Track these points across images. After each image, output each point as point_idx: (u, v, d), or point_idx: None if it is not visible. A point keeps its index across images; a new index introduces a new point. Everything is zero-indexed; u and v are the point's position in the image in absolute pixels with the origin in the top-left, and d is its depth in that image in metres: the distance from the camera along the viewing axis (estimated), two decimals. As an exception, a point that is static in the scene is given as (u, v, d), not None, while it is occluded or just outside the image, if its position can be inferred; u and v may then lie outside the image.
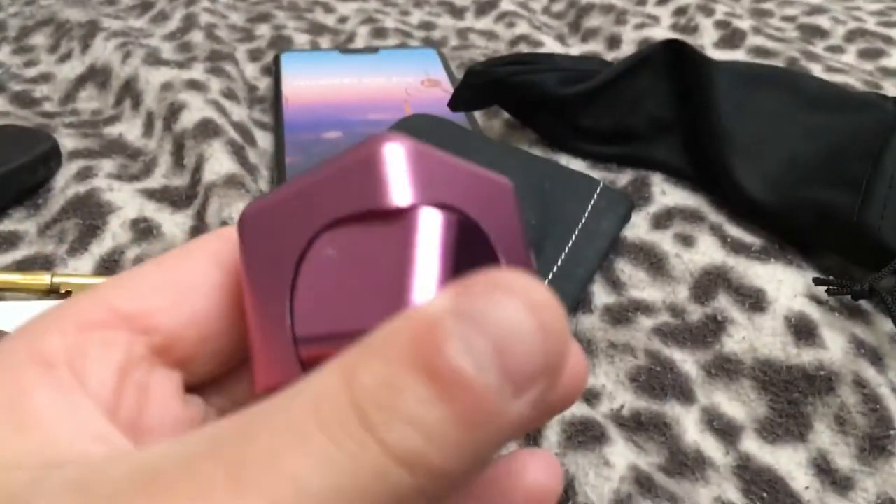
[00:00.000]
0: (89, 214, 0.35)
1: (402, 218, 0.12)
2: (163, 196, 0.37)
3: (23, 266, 0.33)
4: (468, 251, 0.13)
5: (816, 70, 0.48)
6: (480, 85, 0.40)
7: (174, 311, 0.14)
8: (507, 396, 0.10)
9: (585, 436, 0.25)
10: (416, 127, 0.36)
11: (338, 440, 0.09)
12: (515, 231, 0.14)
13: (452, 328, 0.10)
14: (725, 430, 0.27)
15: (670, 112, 0.39)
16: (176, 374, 0.14)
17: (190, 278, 0.14)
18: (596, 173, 0.39)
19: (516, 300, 0.10)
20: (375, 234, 0.12)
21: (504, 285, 0.10)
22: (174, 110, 0.41)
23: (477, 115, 0.44)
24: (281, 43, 0.54)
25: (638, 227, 0.35)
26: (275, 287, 0.13)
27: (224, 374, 0.15)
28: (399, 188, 0.12)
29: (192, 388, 0.15)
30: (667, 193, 0.37)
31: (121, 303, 0.13)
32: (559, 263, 0.31)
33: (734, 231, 0.35)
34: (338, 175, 0.13)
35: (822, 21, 0.55)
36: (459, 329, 0.10)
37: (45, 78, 0.49)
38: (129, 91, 0.44)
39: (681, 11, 0.55)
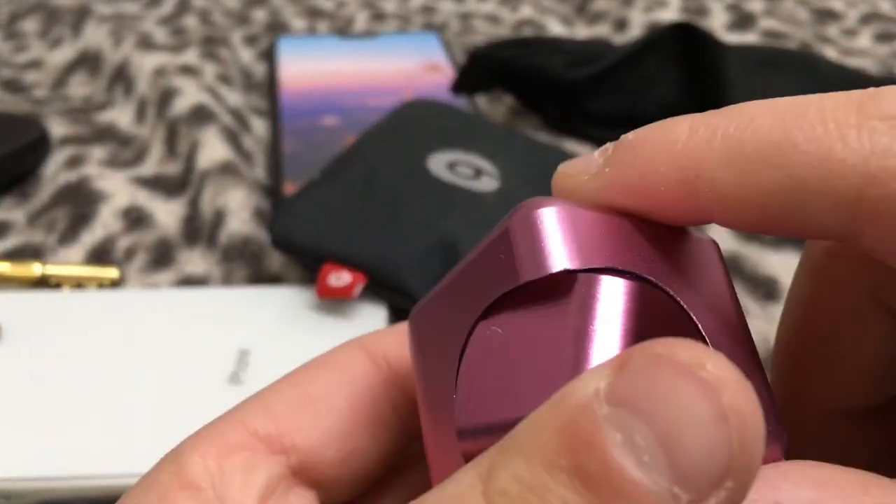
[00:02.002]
0: (80, 203, 0.34)
1: (564, 290, 0.10)
2: (155, 184, 0.35)
3: (12, 256, 0.32)
4: (656, 323, 0.11)
5: (830, 54, 0.47)
6: (484, 68, 0.39)
7: (311, 429, 0.13)
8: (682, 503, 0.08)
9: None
10: (415, 112, 0.35)
11: None
12: (722, 299, 0.12)
13: (607, 416, 0.08)
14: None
15: (680, 96, 0.38)
16: (312, 494, 0.14)
17: (324, 395, 0.14)
18: (602, 159, 0.38)
19: (689, 379, 0.08)
20: (536, 312, 0.11)
21: (671, 359, 0.08)
22: (167, 96, 0.40)
23: (480, 99, 0.43)
24: (277, 28, 0.52)
25: (646, 215, 0.34)
26: (441, 383, 0.12)
27: (365, 494, 0.15)
28: (547, 255, 0.10)
29: None
30: (676, 180, 0.36)
31: (258, 424, 0.13)
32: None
33: (746, 218, 0.33)
34: (485, 253, 0.11)
35: (836, 4, 0.54)
36: (616, 417, 0.08)
37: (36, 64, 0.47)
38: (121, 77, 0.43)
39: (688, -6, 0.54)
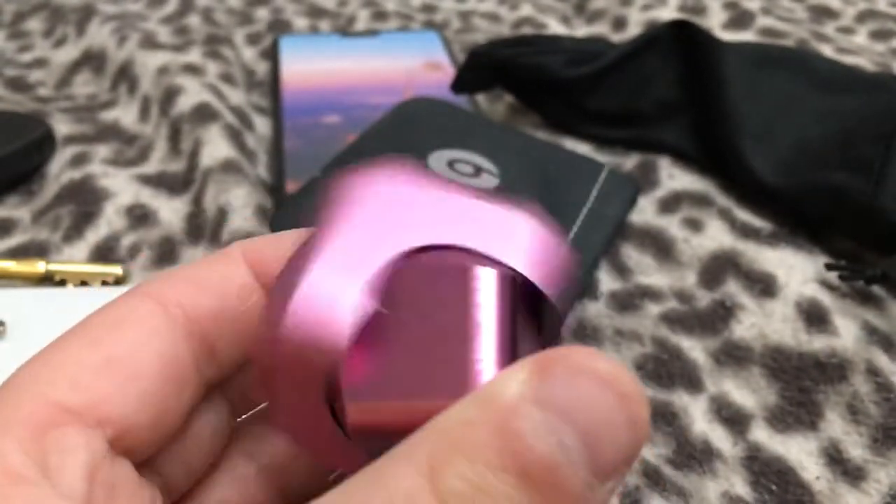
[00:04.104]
0: (84, 201, 0.34)
1: (444, 275, 0.12)
2: (159, 182, 0.36)
3: (16, 253, 0.32)
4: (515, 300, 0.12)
5: (827, 51, 0.47)
6: (484, 67, 0.39)
7: (121, 396, 0.12)
8: (595, 488, 0.09)
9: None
10: (416, 110, 0.35)
11: None
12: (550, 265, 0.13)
13: (539, 420, 0.09)
14: (734, 420, 0.26)
15: (678, 94, 0.38)
16: (127, 461, 0.13)
17: (128, 357, 0.13)
18: (602, 157, 0.38)
19: (607, 391, 0.09)
20: (424, 297, 0.12)
21: (590, 371, 0.09)
22: (170, 94, 0.40)
23: (480, 98, 0.43)
24: (280, 26, 0.53)
25: (644, 212, 0.35)
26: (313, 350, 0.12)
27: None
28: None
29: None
30: (674, 177, 0.36)
31: (63, 396, 0.12)
32: (564, 249, 0.30)
33: (743, 215, 0.34)
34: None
35: (832, 1, 0.54)
36: (547, 421, 0.09)
37: (40, 63, 0.48)
38: (125, 75, 0.44)
39: (688, -8, 0.54)
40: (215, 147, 0.36)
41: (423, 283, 0.12)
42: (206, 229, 0.33)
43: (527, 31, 0.52)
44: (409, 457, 0.10)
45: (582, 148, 0.39)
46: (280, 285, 0.12)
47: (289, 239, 0.15)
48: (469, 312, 0.11)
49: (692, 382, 0.27)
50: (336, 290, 0.12)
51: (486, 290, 0.12)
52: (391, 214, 0.12)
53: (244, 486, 0.15)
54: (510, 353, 0.11)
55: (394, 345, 0.12)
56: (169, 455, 0.14)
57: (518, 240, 0.12)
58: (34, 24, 0.52)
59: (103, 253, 0.32)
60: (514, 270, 0.12)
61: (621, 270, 0.32)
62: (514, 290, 0.12)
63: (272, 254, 0.15)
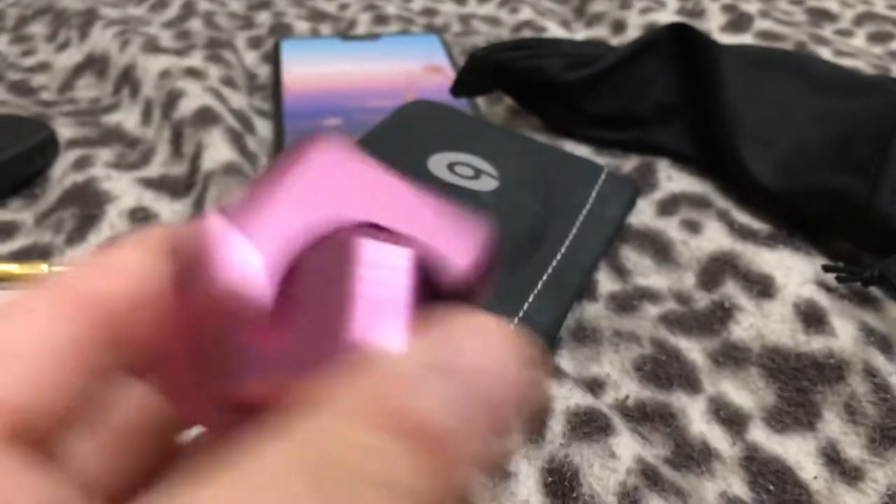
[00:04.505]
0: (87, 204, 0.34)
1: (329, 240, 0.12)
2: (161, 185, 0.36)
3: (20, 256, 0.32)
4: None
5: (825, 54, 0.47)
6: (483, 70, 0.39)
7: (12, 385, 0.12)
8: (487, 440, 0.10)
9: (590, 426, 0.25)
10: (416, 113, 0.36)
11: None
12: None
13: (430, 382, 0.09)
14: (732, 420, 0.26)
15: (676, 97, 0.38)
16: (30, 450, 0.12)
17: (18, 342, 0.13)
18: (601, 159, 0.39)
19: (503, 350, 0.10)
20: (316, 264, 0.12)
21: (475, 329, 0.10)
22: (173, 98, 0.40)
23: (480, 101, 0.44)
24: (281, 30, 0.53)
25: (643, 214, 0.35)
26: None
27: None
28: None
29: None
30: (673, 179, 0.37)
31: None
32: (563, 251, 0.30)
33: (742, 217, 0.34)
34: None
35: (831, 4, 0.55)
36: (437, 384, 0.09)
37: (43, 67, 0.48)
38: (128, 79, 0.44)
39: (687, -5, 0.54)
40: (217, 150, 0.36)
41: (315, 258, 0.12)
42: (207, 232, 0.33)
43: (526, 34, 0.52)
44: (286, 432, 0.09)
45: (581, 150, 0.39)
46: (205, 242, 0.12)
47: None
48: (349, 283, 0.11)
49: (690, 383, 0.27)
50: (250, 260, 0.12)
51: (373, 262, 0.12)
52: (316, 187, 0.12)
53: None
54: (397, 322, 0.12)
55: (283, 320, 0.12)
56: (82, 440, 0.14)
57: (430, 219, 0.13)
58: (37, 29, 0.52)
59: (106, 255, 0.32)
60: (413, 241, 0.12)
61: (620, 272, 0.32)
62: (409, 261, 0.12)
63: (189, 239, 0.15)
